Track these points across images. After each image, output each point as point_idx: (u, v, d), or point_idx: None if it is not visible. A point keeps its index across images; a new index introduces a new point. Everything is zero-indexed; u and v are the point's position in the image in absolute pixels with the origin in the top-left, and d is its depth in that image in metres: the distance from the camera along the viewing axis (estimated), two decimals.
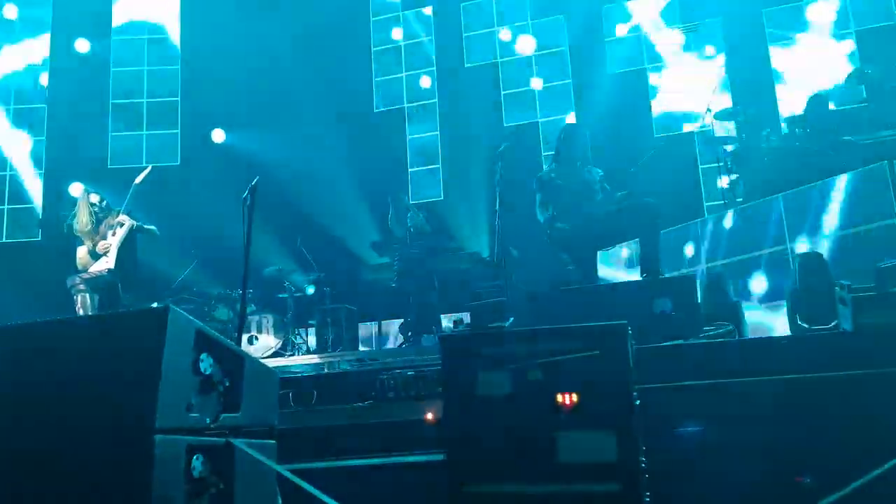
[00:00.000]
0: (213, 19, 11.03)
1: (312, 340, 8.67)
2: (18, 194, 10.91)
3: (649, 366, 2.94)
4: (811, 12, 9.74)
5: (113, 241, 5.99)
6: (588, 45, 10.68)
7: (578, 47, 10.81)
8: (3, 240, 10.80)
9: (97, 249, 6.03)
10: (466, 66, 11.30)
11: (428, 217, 8.25)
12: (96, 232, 6.13)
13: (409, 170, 11.25)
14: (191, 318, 2.04)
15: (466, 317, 7.70)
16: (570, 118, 10.50)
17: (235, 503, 2.09)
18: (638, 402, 2.07)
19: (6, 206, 10.89)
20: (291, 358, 7.42)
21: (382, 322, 9.48)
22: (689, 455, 2.87)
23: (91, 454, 1.79)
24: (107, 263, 5.92)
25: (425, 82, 11.46)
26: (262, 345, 7.86)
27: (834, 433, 2.75)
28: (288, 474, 2.03)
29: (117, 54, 11.49)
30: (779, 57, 9.86)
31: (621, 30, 10.60)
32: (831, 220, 5.59)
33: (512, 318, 5.91)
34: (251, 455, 2.10)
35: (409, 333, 7.61)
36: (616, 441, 1.93)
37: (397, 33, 11.72)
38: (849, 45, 9.56)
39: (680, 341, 3.67)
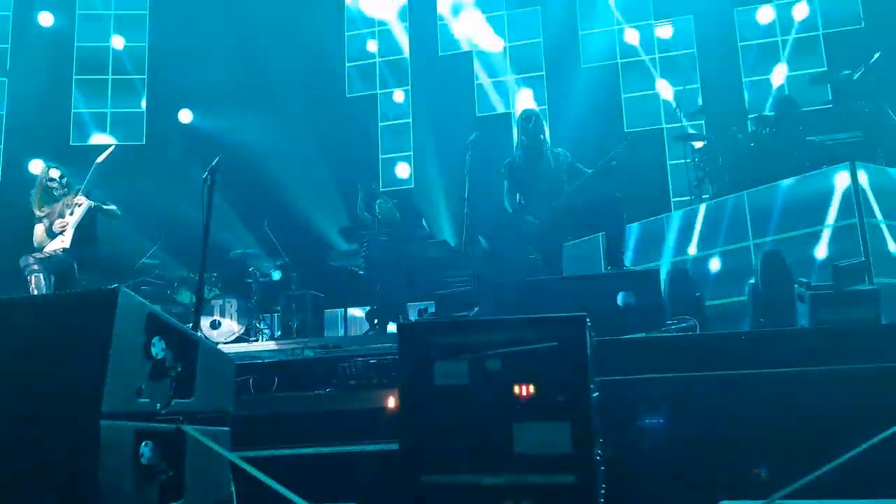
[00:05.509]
0: None
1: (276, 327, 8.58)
2: None
3: (611, 358, 2.95)
4: (780, 12, 9.89)
5: (69, 221, 5.80)
6: (562, 38, 10.68)
7: (553, 39, 10.81)
8: None
9: (54, 228, 5.84)
10: (440, 54, 11.24)
11: (399, 204, 8.19)
12: (53, 210, 5.95)
13: (381, 156, 11.17)
14: (143, 300, 1.99)
15: (433, 306, 7.68)
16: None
17: (186, 490, 2.06)
18: (596, 395, 2.07)
19: None
20: (254, 344, 7.34)
21: (348, 309, 9.42)
22: (648, 448, 2.88)
23: (37, 439, 1.74)
24: (62, 243, 5.73)
25: (398, 69, 11.37)
26: (225, 330, 7.75)
27: (790, 427, 2.79)
28: (239, 461, 1.98)
29: (82, 28, 11.19)
30: (747, 55, 9.99)
31: (595, 23, 10.64)
32: (794, 218, 5.66)
33: (477, 308, 5.90)
34: (203, 442, 2.06)
35: (375, 321, 7.56)
36: (571, 432, 1.92)
37: (371, 18, 11.60)
38: (816, 46, 9.73)
39: (642, 335, 3.69)
